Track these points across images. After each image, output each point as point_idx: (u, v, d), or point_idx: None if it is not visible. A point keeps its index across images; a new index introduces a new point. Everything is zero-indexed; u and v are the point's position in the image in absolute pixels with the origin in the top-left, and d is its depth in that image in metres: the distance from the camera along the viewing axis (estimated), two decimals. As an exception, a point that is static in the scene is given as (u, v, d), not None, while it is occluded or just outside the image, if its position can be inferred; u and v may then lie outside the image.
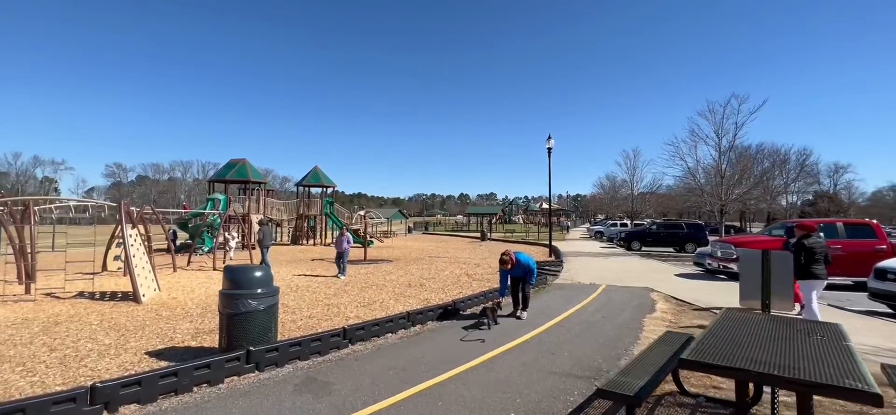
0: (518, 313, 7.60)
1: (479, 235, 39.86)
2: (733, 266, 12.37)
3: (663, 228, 26.37)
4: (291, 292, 10.09)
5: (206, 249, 22.09)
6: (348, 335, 5.57)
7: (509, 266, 7.52)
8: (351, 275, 13.43)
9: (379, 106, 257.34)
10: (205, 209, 25.52)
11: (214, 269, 14.49)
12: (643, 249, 25.21)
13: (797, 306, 7.63)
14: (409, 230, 58.72)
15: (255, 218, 26.93)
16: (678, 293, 10.13)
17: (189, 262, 16.05)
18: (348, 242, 13.63)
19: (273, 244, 25.91)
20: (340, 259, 13.28)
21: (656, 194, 43.96)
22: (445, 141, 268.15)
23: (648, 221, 38.28)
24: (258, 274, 5.09)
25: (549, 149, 21.64)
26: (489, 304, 7.47)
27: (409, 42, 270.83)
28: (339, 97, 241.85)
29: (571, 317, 7.58)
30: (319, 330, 6.36)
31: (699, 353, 2.55)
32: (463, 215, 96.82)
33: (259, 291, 4.98)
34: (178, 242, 24.17)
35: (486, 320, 6.90)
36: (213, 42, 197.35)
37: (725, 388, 4.12)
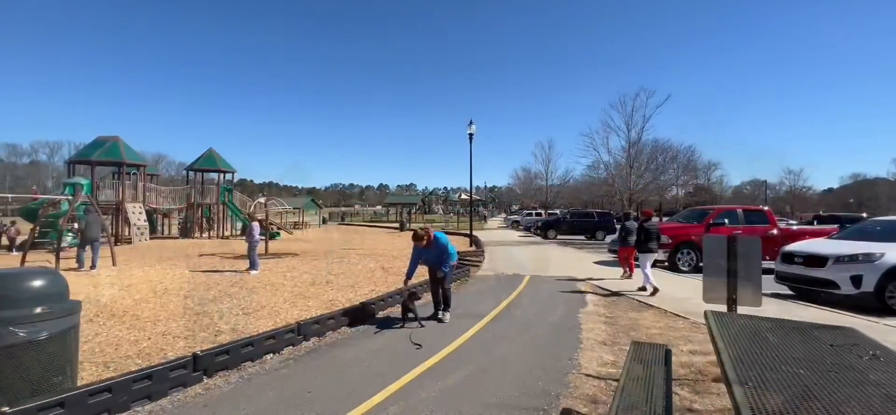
0: (440, 315, 6.34)
1: (397, 225, 38.42)
2: (648, 253, 12.50)
3: (576, 217, 27.38)
4: (154, 299, 7.87)
5: (65, 245, 17.81)
6: (202, 364, 3.89)
7: (424, 242, 6.19)
8: (243, 273, 11.28)
9: (294, 94, 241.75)
10: (62, 194, 20.73)
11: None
12: (558, 237, 25.84)
13: (626, 270, 10.06)
14: (324, 221, 55.26)
15: (131, 207, 22.72)
16: (603, 282, 9.74)
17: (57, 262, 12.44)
18: (256, 234, 11.74)
19: (154, 238, 21.97)
20: (252, 252, 11.44)
21: (568, 185, 46.09)
22: (364, 131, 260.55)
23: (560, 211, 39.90)
24: (37, 283, 3.21)
25: (471, 135, 20.91)
26: (406, 294, 6.23)
27: (327, 27, 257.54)
28: (248, 82, 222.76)
29: (501, 316, 6.57)
30: (166, 357, 4.58)
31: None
32: (382, 206, 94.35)
33: (37, 310, 3.12)
34: (18, 239, 19.43)
35: (412, 316, 5.69)
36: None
37: None
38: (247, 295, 8.22)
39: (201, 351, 3.93)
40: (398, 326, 5.80)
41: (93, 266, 11.25)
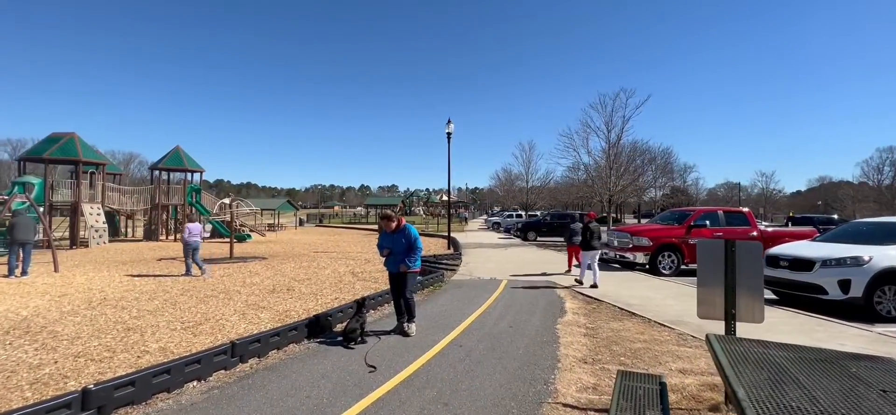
0: (405, 326, 5.67)
1: (376, 227, 37.55)
2: (629, 255, 12.12)
3: (556, 219, 27.05)
4: (85, 311, 6.97)
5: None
6: (95, 402, 3.13)
7: (393, 225, 5.71)
8: (203, 277, 10.39)
9: (276, 95, 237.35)
10: (9, 194, 19.18)
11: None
12: (538, 239, 25.46)
13: (575, 270, 10.36)
14: (301, 223, 53.86)
15: (88, 208, 21.29)
16: (582, 287, 9.25)
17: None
18: (192, 235, 10.84)
19: (115, 240, 20.50)
20: (192, 255, 10.73)
21: (549, 187, 45.92)
22: (346, 132, 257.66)
23: (541, 212, 39.68)
24: None
25: (449, 134, 20.30)
26: (354, 308, 5.56)
27: (308, 28, 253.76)
28: (230, 83, 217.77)
29: (472, 327, 5.96)
30: (65, 387, 3.81)
31: None
32: (362, 207, 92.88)
33: None
34: None
35: (355, 335, 5.00)
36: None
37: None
38: (194, 305, 7.40)
39: (95, 385, 3.18)
40: (357, 342, 5.12)
41: (23, 272, 10.16)
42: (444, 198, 70.73)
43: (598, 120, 22.61)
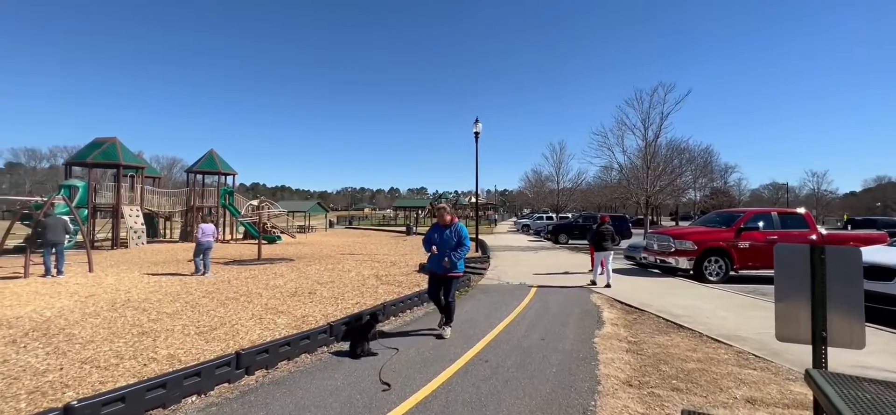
0: (442, 329, 5.63)
1: (404, 229, 37.44)
2: (671, 260, 11.24)
3: (589, 222, 26.01)
4: (106, 312, 6.91)
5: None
6: (72, 421, 2.83)
7: (447, 219, 5.76)
8: (228, 279, 10.35)
9: (309, 100, 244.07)
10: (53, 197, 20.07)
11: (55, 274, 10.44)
12: (570, 242, 24.54)
13: (599, 270, 10.05)
14: (331, 224, 54.57)
15: (127, 210, 22.07)
16: (620, 294, 8.54)
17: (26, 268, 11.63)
18: (205, 235, 11.35)
19: (154, 242, 21.13)
20: (202, 256, 11.16)
21: (580, 188, 44.51)
22: (376, 136, 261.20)
23: (572, 214, 38.45)
24: None
25: (477, 134, 19.74)
26: (366, 317, 5.17)
27: (338, 35, 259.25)
28: (268, 90, 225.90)
29: (499, 339, 5.43)
30: (61, 398, 3.57)
31: None
32: (391, 209, 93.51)
33: None
34: None
35: (366, 347, 4.59)
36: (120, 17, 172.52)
37: None
38: (213, 308, 7.21)
39: (79, 402, 2.88)
40: (372, 353, 4.71)
41: (59, 272, 10.38)
42: (472, 199, 70.06)
43: (634, 117, 21.47)
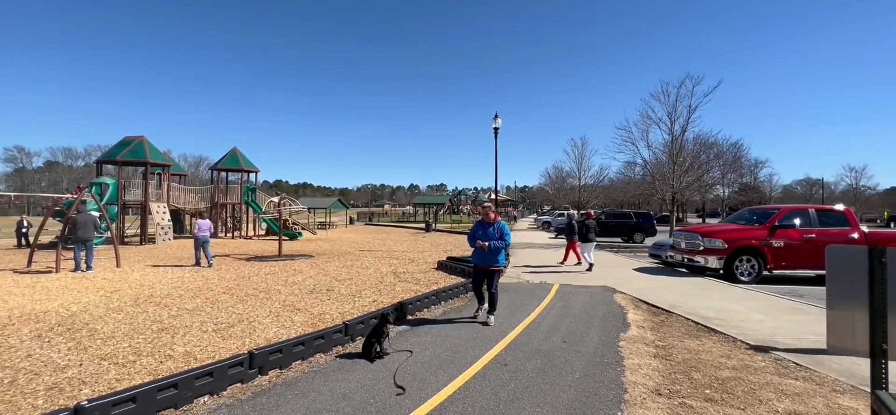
0: (486, 316, 6.11)
1: (423, 226, 37.43)
2: (699, 259, 10.77)
3: (612, 218, 25.39)
4: (129, 308, 7.02)
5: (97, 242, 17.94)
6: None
7: (492, 217, 6.20)
8: (248, 275, 10.46)
9: (331, 98, 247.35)
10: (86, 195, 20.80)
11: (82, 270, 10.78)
12: (593, 239, 24.01)
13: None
14: (351, 221, 55.08)
15: (155, 207, 22.70)
16: (646, 295, 8.20)
17: (30, 262, 12.06)
18: (201, 230, 12.38)
19: (180, 237, 21.63)
20: (202, 249, 12.20)
21: (603, 185, 43.58)
22: (396, 132, 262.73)
23: (595, 211, 37.63)
24: None
25: (496, 129, 19.44)
26: (373, 321, 5.06)
27: (359, 31, 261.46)
28: (292, 88, 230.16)
29: (519, 341, 5.23)
30: (78, 397, 3.57)
31: None
32: (411, 206, 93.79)
33: None
34: (26, 233, 20.33)
35: (378, 351, 4.46)
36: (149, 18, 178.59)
37: None
38: (232, 305, 7.25)
39: (89, 402, 2.84)
40: (385, 354, 4.59)
41: (88, 267, 10.68)
42: (491, 196, 69.42)
43: (660, 111, 20.79)
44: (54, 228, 17.73)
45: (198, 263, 11.99)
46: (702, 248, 10.75)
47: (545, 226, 37.56)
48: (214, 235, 26.45)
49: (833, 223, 10.49)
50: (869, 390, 2.48)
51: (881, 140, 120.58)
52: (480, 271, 6.29)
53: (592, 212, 14.24)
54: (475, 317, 6.23)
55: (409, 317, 6.32)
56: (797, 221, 10.39)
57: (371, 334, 4.62)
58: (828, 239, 10.07)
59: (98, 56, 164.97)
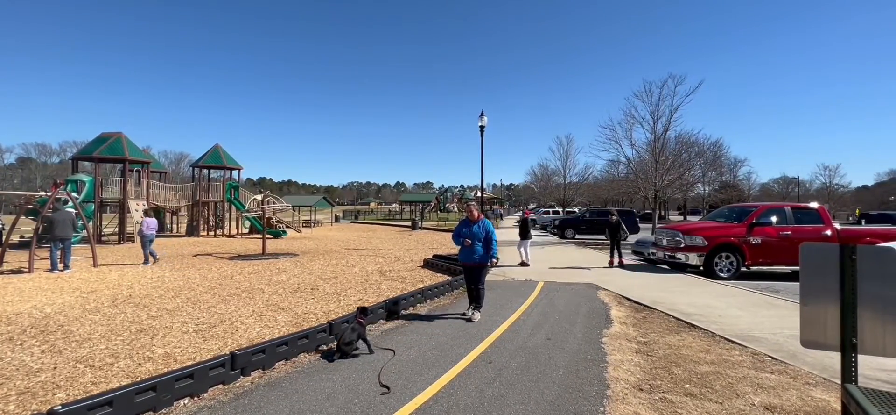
0: (469, 314, 6.20)
1: (410, 224, 37.35)
2: (680, 256, 11.00)
3: (596, 216, 25.66)
4: (107, 308, 6.84)
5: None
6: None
7: (476, 215, 6.32)
8: (231, 274, 10.28)
9: (315, 95, 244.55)
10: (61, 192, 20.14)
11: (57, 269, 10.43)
12: (577, 236, 24.27)
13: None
14: (337, 219, 54.65)
15: (134, 204, 22.13)
16: (629, 291, 8.34)
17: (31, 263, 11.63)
18: (149, 228, 12.38)
19: (158, 235, 20.94)
20: (148, 245, 12.19)
21: (587, 183, 44.12)
22: (382, 131, 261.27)
23: (579, 209, 38.08)
24: None
25: (482, 127, 19.50)
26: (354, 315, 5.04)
27: (343, 30, 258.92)
28: (276, 86, 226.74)
29: (504, 338, 5.27)
30: (51, 402, 3.47)
31: None
32: (397, 204, 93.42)
33: None
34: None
35: (349, 351, 4.45)
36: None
37: None
38: (214, 305, 7.12)
39: (63, 406, 2.76)
40: (366, 352, 4.57)
41: (65, 267, 10.37)
42: (478, 194, 69.58)
43: (643, 110, 21.11)
44: (26, 227, 17.12)
45: (146, 262, 11.98)
46: (683, 245, 10.97)
47: (532, 223, 37.88)
48: (196, 233, 26.06)
49: (808, 220, 10.82)
50: (840, 382, 2.57)
51: (853, 138, 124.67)
52: (469, 269, 6.36)
53: (530, 211, 14.68)
54: (465, 314, 6.26)
55: (395, 315, 6.30)
56: (774, 219, 10.69)
57: (347, 330, 4.60)
58: (803, 236, 10.37)
59: (75, 50, 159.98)
